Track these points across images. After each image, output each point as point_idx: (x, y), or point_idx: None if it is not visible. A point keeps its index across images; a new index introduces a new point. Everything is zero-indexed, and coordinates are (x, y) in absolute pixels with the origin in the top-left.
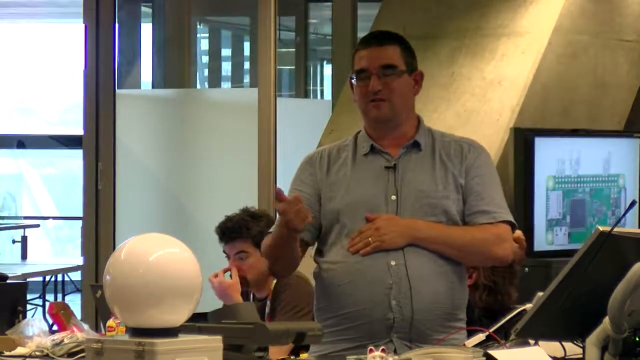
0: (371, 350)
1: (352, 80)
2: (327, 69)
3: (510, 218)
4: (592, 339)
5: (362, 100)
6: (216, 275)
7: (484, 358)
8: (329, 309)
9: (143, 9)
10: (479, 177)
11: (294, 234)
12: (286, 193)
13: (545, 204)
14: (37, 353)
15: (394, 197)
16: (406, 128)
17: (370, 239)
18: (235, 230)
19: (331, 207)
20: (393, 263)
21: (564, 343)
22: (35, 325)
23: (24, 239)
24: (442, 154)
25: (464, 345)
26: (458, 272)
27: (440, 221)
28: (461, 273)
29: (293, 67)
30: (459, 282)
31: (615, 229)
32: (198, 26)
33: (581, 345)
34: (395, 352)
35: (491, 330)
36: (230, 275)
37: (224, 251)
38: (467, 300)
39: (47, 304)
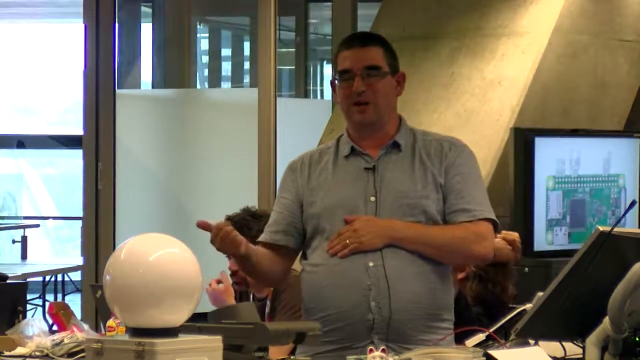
0: (371, 350)
1: (335, 81)
2: (327, 69)
3: (492, 216)
4: (592, 339)
5: (346, 101)
6: (210, 285)
7: (484, 358)
8: (312, 311)
9: (143, 9)
10: (459, 176)
11: (241, 256)
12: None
13: (545, 204)
14: (37, 353)
15: (373, 199)
16: (388, 129)
17: (348, 240)
18: (237, 230)
19: (312, 212)
20: (371, 264)
21: (564, 343)
22: (35, 325)
23: (24, 239)
24: (422, 154)
25: (464, 345)
26: (440, 272)
27: (419, 221)
28: (444, 273)
29: (293, 67)
30: (441, 282)
31: (615, 229)
32: (198, 26)
33: (581, 345)
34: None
35: (491, 330)
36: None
37: None
38: (462, 297)
39: (47, 304)
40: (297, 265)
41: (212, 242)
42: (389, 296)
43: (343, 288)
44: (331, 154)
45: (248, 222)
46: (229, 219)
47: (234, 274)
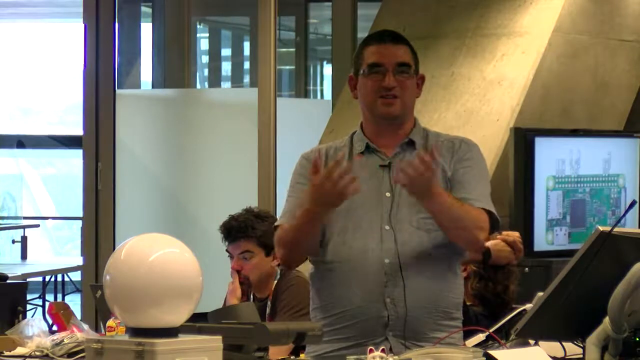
0: (371, 351)
1: (360, 74)
2: (327, 69)
3: (491, 208)
4: (592, 339)
5: (372, 94)
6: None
7: (484, 358)
8: (324, 308)
9: (143, 9)
10: (464, 169)
11: (330, 209)
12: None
13: (545, 204)
14: (37, 353)
15: (388, 195)
16: (405, 128)
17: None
18: (241, 230)
19: None
20: (387, 261)
21: (564, 343)
22: (35, 325)
23: (24, 239)
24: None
25: (464, 345)
26: (453, 270)
27: None
28: (456, 271)
29: (293, 67)
30: (454, 280)
31: (615, 229)
32: (198, 26)
33: (581, 345)
34: (390, 350)
35: (491, 330)
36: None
37: (227, 250)
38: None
39: (47, 304)
40: (301, 267)
41: (320, 185)
42: (404, 293)
43: (358, 284)
44: (346, 150)
45: (252, 223)
46: (234, 218)
47: (236, 273)
